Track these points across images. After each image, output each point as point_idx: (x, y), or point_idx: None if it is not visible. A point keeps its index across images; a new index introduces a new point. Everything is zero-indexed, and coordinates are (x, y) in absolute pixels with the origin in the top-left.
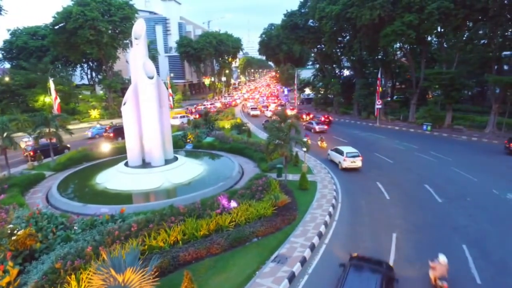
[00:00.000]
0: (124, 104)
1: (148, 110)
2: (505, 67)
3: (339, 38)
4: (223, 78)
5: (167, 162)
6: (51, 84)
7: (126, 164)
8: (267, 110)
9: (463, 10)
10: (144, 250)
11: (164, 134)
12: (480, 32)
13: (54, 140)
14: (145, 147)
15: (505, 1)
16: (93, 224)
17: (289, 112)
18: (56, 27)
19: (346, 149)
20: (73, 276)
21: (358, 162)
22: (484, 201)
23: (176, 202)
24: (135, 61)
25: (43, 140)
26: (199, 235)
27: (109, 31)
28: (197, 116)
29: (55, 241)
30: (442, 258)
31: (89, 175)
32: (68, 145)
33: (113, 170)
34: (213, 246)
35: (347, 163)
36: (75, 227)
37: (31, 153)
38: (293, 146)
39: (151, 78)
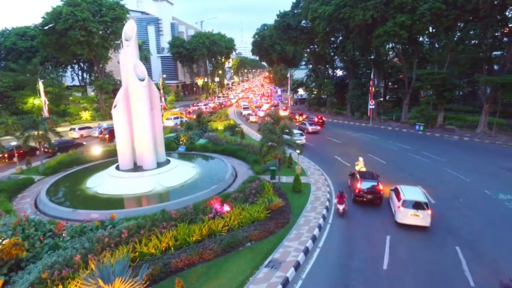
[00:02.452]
0: (115, 106)
1: (139, 113)
2: (496, 67)
3: (332, 39)
4: (216, 79)
5: (159, 165)
6: (41, 86)
7: (117, 168)
8: (259, 110)
9: (455, 11)
10: (135, 257)
11: (156, 137)
12: (471, 32)
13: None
14: (137, 150)
15: (495, 2)
16: (82, 231)
17: (282, 113)
18: (46, 27)
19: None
20: (60, 286)
21: (303, 140)
22: (477, 201)
23: (168, 206)
24: (125, 63)
25: (65, 138)
26: (192, 240)
27: (100, 32)
28: (195, 116)
29: (42, 249)
30: (361, 158)
31: (80, 179)
32: (84, 143)
33: (104, 173)
34: (206, 252)
35: None
36: (64, 234)
37: (49, 150)
38: (286, 148)
39: (142, 80)
